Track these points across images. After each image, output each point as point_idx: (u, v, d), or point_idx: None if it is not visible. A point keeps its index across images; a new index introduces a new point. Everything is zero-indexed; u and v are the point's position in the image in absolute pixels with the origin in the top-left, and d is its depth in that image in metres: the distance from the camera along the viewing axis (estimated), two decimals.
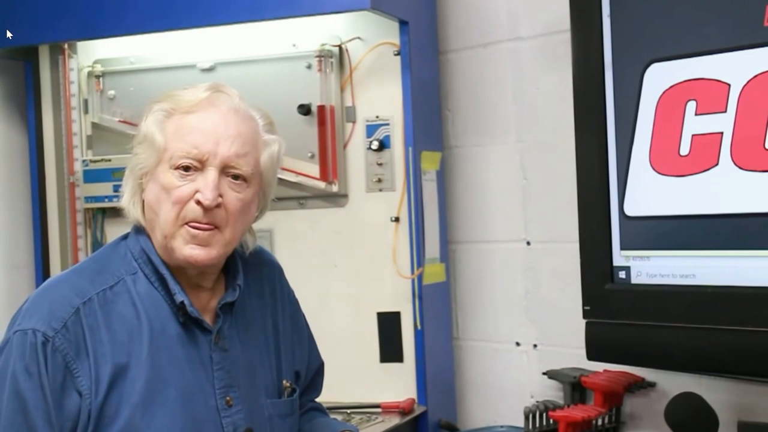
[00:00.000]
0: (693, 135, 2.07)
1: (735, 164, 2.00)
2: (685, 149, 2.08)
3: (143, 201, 1.65)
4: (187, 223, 1.60)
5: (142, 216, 1.66)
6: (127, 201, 1.67)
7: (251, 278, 1.77)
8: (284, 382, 1.79)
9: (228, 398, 1.66)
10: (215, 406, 1.64)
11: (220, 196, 1.60)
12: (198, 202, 1.59)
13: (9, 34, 2.84)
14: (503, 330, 2.86)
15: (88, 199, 2.98)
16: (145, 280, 1.64)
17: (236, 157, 1.61)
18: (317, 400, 1.98)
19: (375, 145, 2.74)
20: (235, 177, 1.62)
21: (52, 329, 1.54)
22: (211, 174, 1.60)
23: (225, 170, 1.61)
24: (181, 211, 1.60)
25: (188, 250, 1.60)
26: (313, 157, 2.76)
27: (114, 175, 2.92)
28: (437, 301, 2.81)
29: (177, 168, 1.60)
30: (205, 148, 1.59)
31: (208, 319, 1.68)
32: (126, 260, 1.66)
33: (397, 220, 2.72)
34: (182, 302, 1.63)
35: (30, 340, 1.54)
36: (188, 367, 1.63)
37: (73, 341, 1.55)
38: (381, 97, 2.75)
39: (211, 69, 2.86)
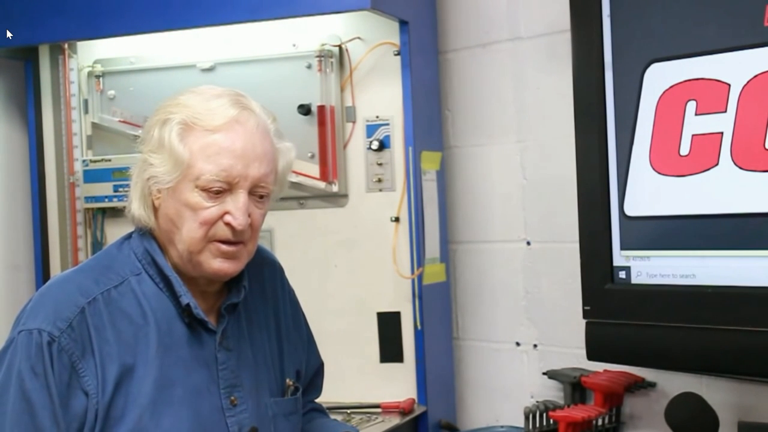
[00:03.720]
0: (693, 135, 2.07)
1: (735, 164, 2.00)
2: (685, 149, 2.08)
3: (154, 206, 1.64)
4: (214, 241, 1.60)
5: (156, 223, 1.64)
6: (137, 207, 1.64)
7: (253, 278, 1.77)
8: (287, 380, 1.79)
9: (233, 398, 1.66)
10: (220, 406, 1.65)
11: (249, 215, 1.60)
12: (228, 224, 1.58)
13: (9, 34, 2.84)
14: (503, 330, 2.86)
15: (88, 199, 2.98)
16: (150, 280, 1.64)
17: (264, 177, 1.61)
18: (317, 400, 1.98)
19: (375, 145, 2.74)
20: (260, 196, 1.62)
21: (57, 329, 1.54)
22: (242, 197, 1.59)
23: (252, 190, 1.61)
24: (209, 230, 1.59)
25: (217, 264, 1.61)
26: (313, 157, 2.77)
27: (114, 175, 2.93)
28: (437, 301, 2.81)
29: (204, 189, 1.58)
30: (235, 171, 1.58)
31: (212, 318, 1.68)
32: (130, 261, 1.65)
33: (397, 220, 2.72)
34: (188, 304, 1.63)
35: (36, 340, 1.54)
36: (194, 367, 1.63)
37: (78, 341, 1.55)
38: (381, 97, 2.75)
39: (211, 69, 2.86)
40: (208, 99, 1.62)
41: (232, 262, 1.62)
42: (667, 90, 2.11)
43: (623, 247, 2.19)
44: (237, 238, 1.60)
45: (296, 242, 2.84)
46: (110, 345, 1.57)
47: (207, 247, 1.60)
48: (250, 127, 1.61)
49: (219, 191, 1.58)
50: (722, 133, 2.02)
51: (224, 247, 1.60)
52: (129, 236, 1.70)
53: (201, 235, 1.59)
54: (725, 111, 2.01)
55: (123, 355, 1.57)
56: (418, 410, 2.68)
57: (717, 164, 2.03)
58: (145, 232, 1.67)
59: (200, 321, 1.65)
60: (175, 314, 1.63)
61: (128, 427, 1.56)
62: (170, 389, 1.59)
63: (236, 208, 1.58)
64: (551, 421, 2.52)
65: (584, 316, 2.23)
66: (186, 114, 1.60)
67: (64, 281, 1.64)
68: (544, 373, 2.73)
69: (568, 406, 2.55)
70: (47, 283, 1.67)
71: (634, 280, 2.18)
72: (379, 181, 2.76)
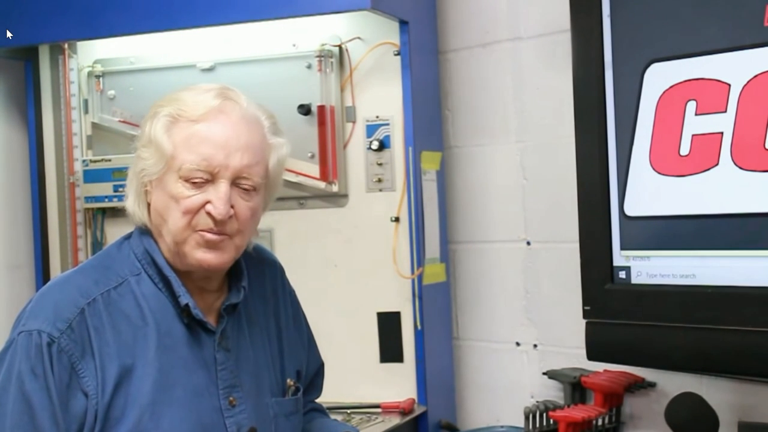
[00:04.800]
0: (693, 135, 2.07)
1: (735, 164, 2.00)
2: (685, 149, 2.08)
3: (148, 203, 1.65)
4: (198, 230, 1.60)
5: (149, 218, 1.65)
6: (132, 203, 1.66)
7: (253, 278, 1.77)
8: (288, 380, 1.79)
9: (231, 398, 1.66)
10: (219, 406, 1.65)
11: (231, 206, 1.60)
12: (209, 214, 1.59)
13: (9, 34, 2.84)
14: (503, 330, 2.86)
15: (88, 199, 2.98)
16: (149, 281, 1.64)
17: (247, 168, 1.61)
18: (317, 400, 1.98)
19: (375, 145, 2.74)
20: (245, 187, 1.62)
21: (57, 330, 1.54)
22: (223, 187, 1.59)
23: (235, 181, 1.61)
24: (192, 220, 1.59)
25: (200, 254, 1.60)
26: (313, 157, 2.76)
27: (114, 175, 2.92)
28: (437, 301, 2.81)
29: (187, 179, 1.59)
30: (215, 161, 1.58)
31: (211, 319, 1.68)
32: (129, 261, 1.66)
33: (397, 220, 2.72)
34: (186, 304, 1.63)
35: (35, 341, 1.54)
36: (193, 367, 1.63)
37: (78, 342, 1.55)
38: (381, 97, 2.74)
39: (211, 69, 2.86)
40: (197, 93, 1.64)
41: (216, 253, 1.61)
42: (667, 90, 2.11)
43: (623, 247, 2.19)
44: (219, 229, 1.60)
45: (296, 242, 2.83)
46: (110, 346, 1.57)
47: (191, 236, 1.60)
48: (234, 117, 1.61)
49: (200, 181, 1.59)
50: (722, 133, 2.02)
51: (208, 235, 1.59)
52: (129, 236, 1.71)
53: (184, 224, 1.59)
54: (725, 111, 2.01)
55: (122, 355, 1.57)
56: (418, 410, 2.68)
57: (717, 164, 2.03)
58: (144, 231, 1.67)
59: (199, 321, 1.65)
60: (174, 315, 1.64)
61: (128, 428, 1.56)
62: (170, 390, 1.59)
63: (217, 197, 1.58)
64: (551, 421, 2.52)
65: (584, 316, 2.23)
66: (173, 107, 1.62)
67: (63, 282, 1.64)
68: (544, 373, 2.73)
69: (568, 406, 2.55)
70: (47, 284, 1.67)
71: (634, 280, 2.18)
72: (379, 181, 2.76)
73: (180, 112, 1.61)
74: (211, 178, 1.59)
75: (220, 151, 1.59)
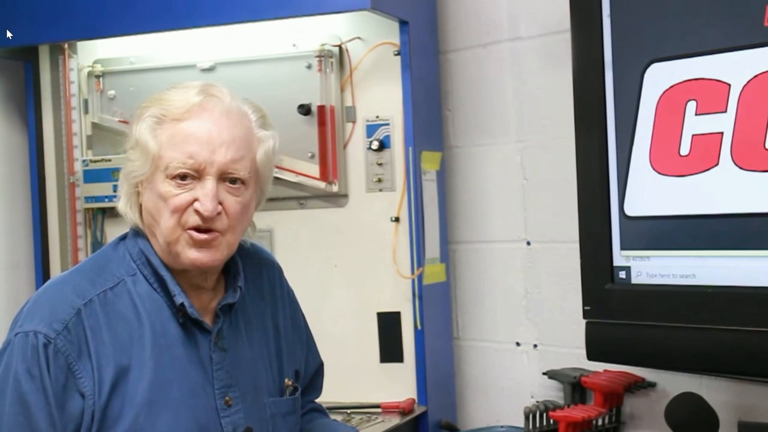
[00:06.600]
0: (693, 135, 2.07)
1: (735, 164, 2.00)
2: (685, 149, 2.08)
3: (140, 204, 1.65)
4: (188, 229, 1.60)
5: (140, 220, 1.66)
6: (123, 205, 1.67)
7: (251, 278, 1.77)
8: (286, 380, 1.79)
9: (227, 398, 1.66)
10: (215, 406, 1.64)
11: (220, 203, 1.60)
12: (197, 212, 1.58)
13: (9, 34, 2.84)
14: (503, 330, 2.86)
15: (88, 199, 2.98)
16: (145, 281, 1.64)
17: (233, 162, 1.60)
18: (317, 400, 1.98)
19: (375, 145, 2.74)
20: (233, 181, 1.62)
21: (53, 331, 1.54)
22: (210, 183, 1.59)
23: (222, 176, 1.61)
24: (181, 218, 1.59)
25: (193, 253, 1.60)
26: (313, 157, 2.76)
27: (114, 175, 2.92)
28: (437, 301, 2.81)
29: (173, 177, 1.59)
30: (201, 157, 1.58)
31: (207, 319, 1.68)
32: (125, 261, 1.66)
33: (397, 220, 2.72)
34: (182, 303, 1.63)
35: (31, 342, 1.54)
36: (189, 367, 1.63)
37: (74, 342, 1.55)
38: (381, 97, 2.75)
39: (211, 69, 2.86)
40: (179, 91, 1.64)
41: (207, 251, 1.61)
42: (667, 90, 2.11)
43: (623, 247, 2.19)
44: (208, 226, 1.60)
45: (296, 242, 2.84)
46: (106, 346, 1.57)
47: (182, 236, 1.60)
48: (216, 113, 1.61)
49: (186, 177, 1.58)
50: (722, 133, 2.02)
51: (196, 234, 1.59)
52: (124, 236, 1.71)
53: (174, 223, 1.59)
54: (725, 111, 2.01)
55: (119, 356, 1.57)
56: (418, 410, 2.68)
57: (717, 164, 2.03)
58: (138, 232, 1.67)
59: (195, 321, 1.65)
60: (169, 315, 1.64)
61: (124, 428, 1.56)
62: (166, 390, 1.60)
63: (204, 194, 1.58)
64: (551, 421, 2.52)
65: (584, 316, 2.23)
66: (157, 108, 1.63)
67: (60, 283, 1.64)
68: (544, 373, 2.73)
69: (568, 406, 2.55)
70: (44, 285, 1.67)
71: (634, 280, 2.18)
72: (379, 181, 2.76)
73: (164, 112, 1.62)
74: (197, 176, 1.59)
75: (204, 148, 1.59)
